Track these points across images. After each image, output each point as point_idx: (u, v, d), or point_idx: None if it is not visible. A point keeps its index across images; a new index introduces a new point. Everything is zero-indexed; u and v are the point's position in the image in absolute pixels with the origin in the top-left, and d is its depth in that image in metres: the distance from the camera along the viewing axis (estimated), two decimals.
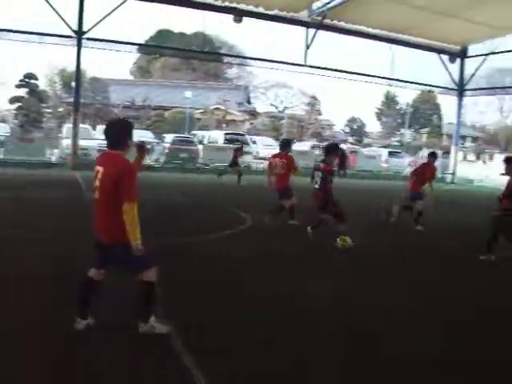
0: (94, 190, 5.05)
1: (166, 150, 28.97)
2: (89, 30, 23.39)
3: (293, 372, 4.66)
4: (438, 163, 34.66)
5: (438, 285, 7.87)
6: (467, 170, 37.33)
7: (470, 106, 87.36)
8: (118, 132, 5.15)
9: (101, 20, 23.33)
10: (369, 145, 63.19)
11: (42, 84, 49.90)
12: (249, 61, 31.91)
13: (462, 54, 31.88)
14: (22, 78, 45.67)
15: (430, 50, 30.94)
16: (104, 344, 4.82)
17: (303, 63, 27.03)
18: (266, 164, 28.80)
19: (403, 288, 7.63)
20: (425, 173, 13.49)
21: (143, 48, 39.94)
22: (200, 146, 30.46)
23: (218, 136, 33.41)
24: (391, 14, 25.16)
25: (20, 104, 45.26)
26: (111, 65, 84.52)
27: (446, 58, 31.51)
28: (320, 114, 67.73)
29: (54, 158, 26.67)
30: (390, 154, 37.88)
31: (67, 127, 30.02)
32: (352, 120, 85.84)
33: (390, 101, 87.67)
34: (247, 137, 35.99)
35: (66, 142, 26.52)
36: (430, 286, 7.76)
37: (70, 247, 8.33)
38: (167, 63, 67.25)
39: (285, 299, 6.62)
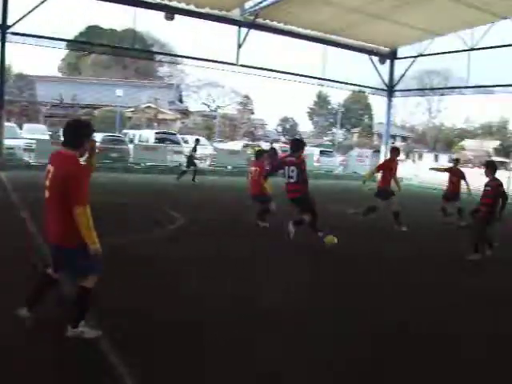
0: (44, 190, 4.95)
1: (96, 150, 28.21)
2: (14, 23, 22.46)
3: (218, 370, 4.69)
4: (368, 162, 35.55)
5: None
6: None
7: (400, 107, 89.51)
8: (76, 132, 5.06)
9: (27, 14, 22.38)
10: None
11: None
12: (181, 59, 31.52)
13: (392, 56, 32.39)
14: None
15: (360, 51, 31.26)
16: (31, 343, 4.85)
17: (235, 62, 26.85)
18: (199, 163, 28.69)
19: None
20: (392, 168, 13.77)
21: (72, 44, 38.78)
22: (131, 146, 29.88)
23: (148, 135, 32.85)
24: (323, 15, 25.26)
25: None
26: (38, 61, 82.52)
27: (376, 59, 31.93)
28: (252, 114, 68.01)
29: None
30: (322, 153, 38.12)
31: None
32: (284, 119, 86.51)
33: (321, 101, 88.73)
34: (178, 136, 35.58)
35: None
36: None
37: None
38: (97, 60, 65.91)
39: (218, 299, 6.61)
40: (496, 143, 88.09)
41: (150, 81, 65.03)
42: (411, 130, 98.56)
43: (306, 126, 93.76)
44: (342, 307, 6.85)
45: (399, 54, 32.34)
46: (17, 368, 4.45)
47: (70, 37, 42.37)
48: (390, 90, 33.55)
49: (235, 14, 25.85)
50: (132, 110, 51.47)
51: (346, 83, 33.01)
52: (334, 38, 29.10)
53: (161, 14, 24.66)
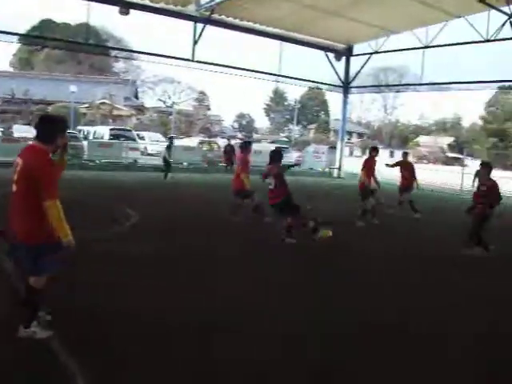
0: (12, 183, 4.88)
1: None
2: None
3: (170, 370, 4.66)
4: (324, 159, 35.74)
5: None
6: (353, 165, 38.40)
7: (356, 103, 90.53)
8: (49, 127, 4.99)
9: None
10: (258, 140, 63.72)
11: None
12: (136, 54, 31.03)
13: (348, 53, 32.53)
14: None
15: (317, 48, 31.32)
16: None
17: (191, 58, 26.58)
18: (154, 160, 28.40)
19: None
20: (371, 167, 14.20)
21: (24, 38, 38.12)
22: (85, 142, 29.39)
23: (103, 131, 32.44)
24: (279, 11, 25.19)
25: None
26: None
27: (332, 55, 32.06)
28: (209, 110, 67.88)
29: None
30: None
31: None
32: (241, 116, 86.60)
33: (278, 97, 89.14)
34: (134, 132, 35.22)
35: None
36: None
37: None
38: (51, 55, 64.79)
39: (171, 297, 6.57)
40: (450, 139, 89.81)
41: (105, 76, 64.15)
42: (367, 127, 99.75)
43: (262, 123, 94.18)
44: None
45: (355, 51, 32.49)
46: None
47: (22, 31, 41.61)
48: (346, 86, 33.74)
49: (191, 9, 25.55)
50: (86, 106, 50.61)
51: (303, 79, 33.03)
52: (290, 34, 29.07)
53: (115, 9, 24.24)
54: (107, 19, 68.90)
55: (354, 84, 34.09)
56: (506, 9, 21.11)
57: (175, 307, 6.33)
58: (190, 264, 8.53)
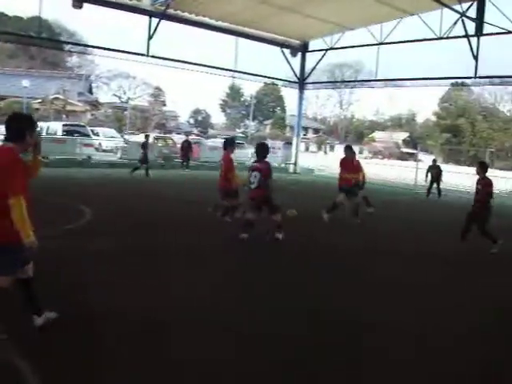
0: None
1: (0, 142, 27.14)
2: None
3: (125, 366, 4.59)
4: (280, 154, 35.92)
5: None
6: (309, 160, 38.71)
7: (312, 99, 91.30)
8: (16, 125, 4.96)
9: None
10: (214, 136, 63.69)
11: None
12: (90, 49, 30.58)
13: (303, 49, 32.73)
14: None
15: (272, 44, 31.44)
16: None
17: (146, 53, 26.33)
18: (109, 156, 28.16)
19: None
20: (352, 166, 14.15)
21: None
22: None
23: (56, 127, 31.83)
24: (234, 6, 25.19)
25: None
26: None
27: (288, 51, 32.20)
28: (164, 105, 67.46)
29: None
30: None
31: None
32: (197, 111, 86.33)
33: (234, 92, 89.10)
34: (88, 128, 34.68)
35: None
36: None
37: None
38: (2, 49, 63.35)
39: (126, 294, 6.51)
40: (405, 135, 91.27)
41: (59, 71, 63.04)
42: (323, 122, 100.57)
43: (218, 118, 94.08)
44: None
45: (310, 47, 32.74)
46: None
47: None
48: (302, 82, 33.99)
49: (146, 3, 25.31)
50: (39, 101, 49.68)
51: (259, 75, 33.10)
52: (245, 29, 29.08)
53: (69, 2, 23.83)
54: (60, 12, 68.32)
55: (309, 80, 34.46)
56: (458, 7, 21.52)
57: (128, 305, 6.26)
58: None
